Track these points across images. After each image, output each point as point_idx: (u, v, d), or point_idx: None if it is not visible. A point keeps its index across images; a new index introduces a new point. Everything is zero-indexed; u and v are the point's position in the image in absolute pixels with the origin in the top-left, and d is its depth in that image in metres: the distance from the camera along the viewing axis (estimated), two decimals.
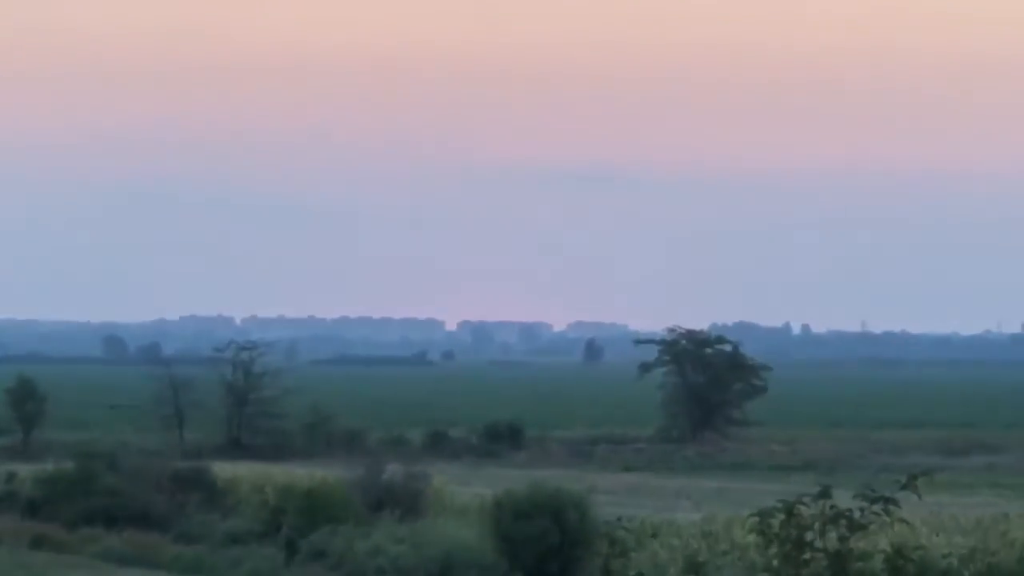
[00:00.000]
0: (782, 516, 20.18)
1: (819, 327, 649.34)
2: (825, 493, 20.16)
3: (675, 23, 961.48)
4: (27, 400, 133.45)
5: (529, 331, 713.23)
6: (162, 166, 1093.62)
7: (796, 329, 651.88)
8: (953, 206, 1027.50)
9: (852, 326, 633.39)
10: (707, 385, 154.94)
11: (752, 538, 27.12)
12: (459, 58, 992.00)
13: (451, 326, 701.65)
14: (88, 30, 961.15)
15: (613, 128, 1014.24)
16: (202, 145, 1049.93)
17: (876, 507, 19.96)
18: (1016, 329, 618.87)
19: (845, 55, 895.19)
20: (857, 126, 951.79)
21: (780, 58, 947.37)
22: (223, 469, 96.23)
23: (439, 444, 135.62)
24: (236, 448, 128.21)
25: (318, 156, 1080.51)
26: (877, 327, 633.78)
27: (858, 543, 20.45)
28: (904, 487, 20.76)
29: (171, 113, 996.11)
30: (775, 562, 21.10)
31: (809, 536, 20.01)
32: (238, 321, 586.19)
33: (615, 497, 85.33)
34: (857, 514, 20.24)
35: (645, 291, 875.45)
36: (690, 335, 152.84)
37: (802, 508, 20.09)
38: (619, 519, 56.36)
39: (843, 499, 20.49)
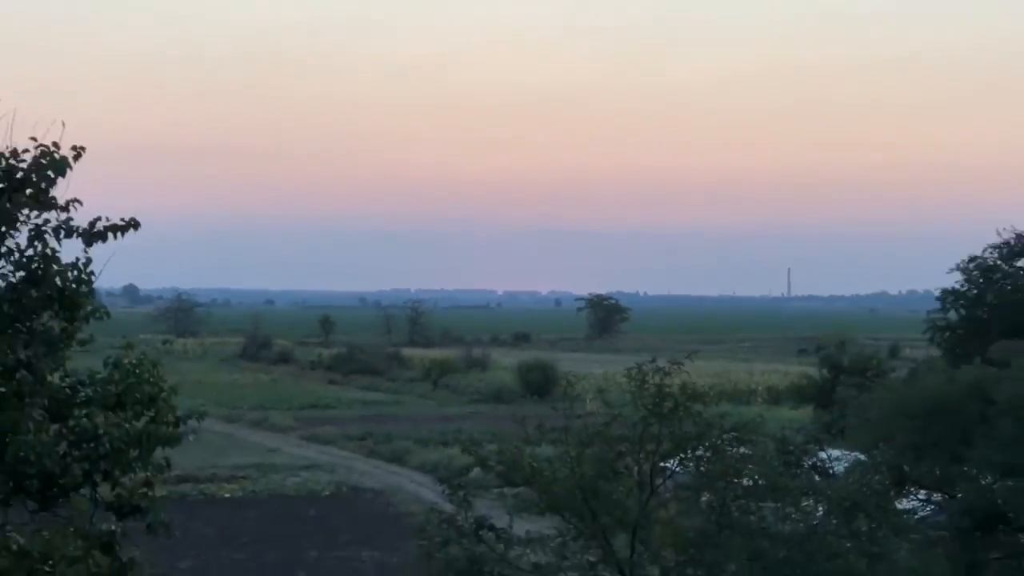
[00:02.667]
0: (636, 370, 18.53)
1: None
2: (652, 362, 18.94)
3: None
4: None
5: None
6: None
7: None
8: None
9: None
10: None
11: (623, 380, 22.45)
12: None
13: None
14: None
15: None
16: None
17: (674, 365, 18.96)
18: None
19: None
20: None
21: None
22: (407, 351, 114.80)
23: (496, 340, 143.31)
24: (410, 344, 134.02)
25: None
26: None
27: (665, 380, 18.54)
28: (688, 357, 21.55)
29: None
30: (634, 389, 21.39)
31: (648, 377, 18.67)
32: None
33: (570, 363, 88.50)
34: (667, 367, 18.65)
35: None
36: None
37: (645, 366, 18.64)
38: (568, 372, 54.75)
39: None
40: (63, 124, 9.52)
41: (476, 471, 21.05)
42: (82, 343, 10.20)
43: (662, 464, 17.79)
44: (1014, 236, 46.13)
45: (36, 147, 9.62)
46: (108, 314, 10.23)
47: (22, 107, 9.41)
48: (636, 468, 17.75)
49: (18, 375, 9.42)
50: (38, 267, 9.68)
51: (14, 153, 9.62)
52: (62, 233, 9.81)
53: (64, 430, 9.79)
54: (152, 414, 10.33)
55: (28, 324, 9.69)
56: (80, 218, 9.84)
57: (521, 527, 18.51)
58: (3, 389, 9.40)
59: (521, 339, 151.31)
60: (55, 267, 9.74)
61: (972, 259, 46.56)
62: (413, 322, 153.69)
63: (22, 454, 9.43)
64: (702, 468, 17.86)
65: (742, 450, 17.94)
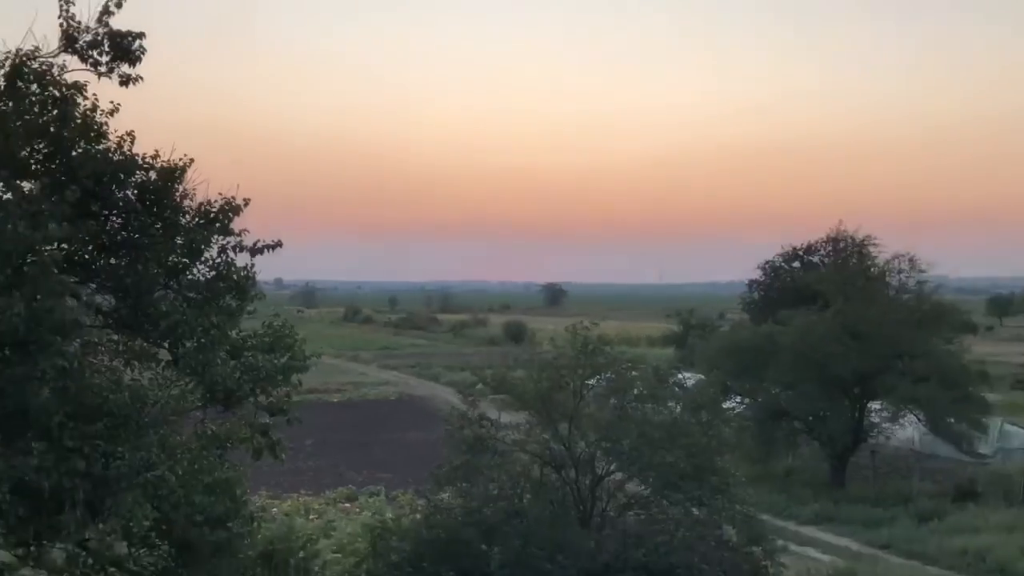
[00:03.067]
0: (571, 327, 15.72)
1: None
2: (581, 322, 16.11)
3: None
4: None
5: None
6: None
7: None
8: None
9: None
10: None
11: (565, 332, 17.50)
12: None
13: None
14: None
15: None
16: None
17: (593, 324, 16.24)
18: None
19: None
20: None
21: None
22: (440, 316, 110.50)
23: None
24: (442, 311, 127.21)
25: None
26: None
27: (588, 333, 15.83)
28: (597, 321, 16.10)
29: None
30: (570, 338, 18.90)
31: (578, 332, 15.80)
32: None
33: (533, 323, 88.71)
34: (589, 325, 15.80)
35: None
36: None
37: (577, 326, 15.66)
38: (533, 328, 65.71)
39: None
40: (238, 185, 9.56)
41: (479, 385, 20.82)
42: (249, 313, 10.06)
43: (587, 381, 17.45)
44: (790, 248, 46.77)
45: (222, 198, 9.57)
46: (264, 296, 10.07)
47: (213, 177, 9.41)
48: (572, 384, 17.46)
49: (211, 332, 9.31)
50: (222, 269, 9.57)
51: (208, 202, 9.58)
52: (237, 249, 9.72)
53: (238, 364, 9.69)
54: (290, 354, 10.28)
55: (217, 303, 9.60)
56: (248, 239, 9.63)
57: (505, 418, 18.19)
58: (203, 340, 9.29)
59: (505, 308, 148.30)
60: (233, 269, 9.63)
61: (767, 262, 47.12)
62: (444, 299, 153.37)
63: (214, 378, 9.32)
64: (610, 384, 17.62)
65: (633, 373, 17.67)
